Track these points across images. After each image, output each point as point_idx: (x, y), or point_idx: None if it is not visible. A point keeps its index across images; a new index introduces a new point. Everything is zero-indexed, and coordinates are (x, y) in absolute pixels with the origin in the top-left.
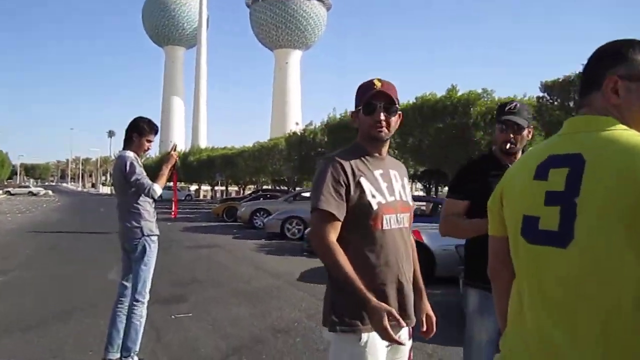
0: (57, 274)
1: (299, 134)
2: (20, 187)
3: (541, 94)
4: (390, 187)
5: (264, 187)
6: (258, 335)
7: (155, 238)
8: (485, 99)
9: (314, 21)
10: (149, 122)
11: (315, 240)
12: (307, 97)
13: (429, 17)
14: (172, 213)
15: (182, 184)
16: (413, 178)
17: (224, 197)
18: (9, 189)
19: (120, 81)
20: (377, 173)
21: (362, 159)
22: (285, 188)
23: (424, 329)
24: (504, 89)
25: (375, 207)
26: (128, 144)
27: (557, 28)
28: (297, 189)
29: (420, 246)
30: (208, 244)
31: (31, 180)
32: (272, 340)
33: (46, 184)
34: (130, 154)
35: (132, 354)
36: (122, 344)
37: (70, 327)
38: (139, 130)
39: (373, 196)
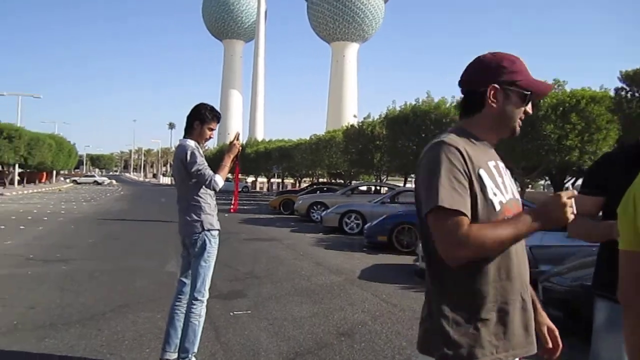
0: (117, 264)
1: (356, 126)
2: (86, 176)
3: (620, 85)
4: (504, 183)
5: (320, 180)
6: (321, 339)
7: (216, 233)
8: (556, 91)
9: (371, 14)
10: (212, 109)
11: (448, 250)
12: (363, 90)
13: (489, 6)
14: (232, 207)
15: (239, 176)
16: None
17: (280, 189)
18: (76, 178)
19: (181, 74)
20: (491, 165)
21: (475, 147)
22: (341, 181)
23: (550, 344)
24: (576, 80)
25: (498, 207)
26: (189, 132)
27: (632, 14)
28: (353, 182)
29: None
30: (266, 237)
31: (96, 170)
32: (336, 345)
33: (110, 173)
34: (191, 142)
35: (190, 356)
36: (180, 345)
37: (127, 322)
38: (201, 118)
39: (494, 194)
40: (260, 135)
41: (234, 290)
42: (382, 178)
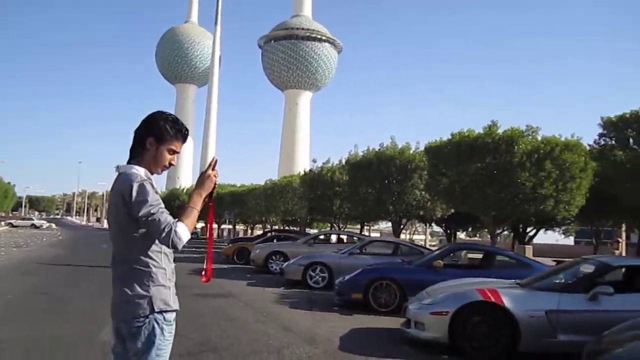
0: (37, 330)
1: (315, 172)
2: (23, 219)
3: (601, 132)
4: None
5: (274, 227)
6: None
7: (172, 317)
8: (530, 137)
9: (324, 63)
10: (174, 121)
11: None
12: (316, 137)
13: (454, 49)
14: (203, 274)
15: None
16: (432, 222)
17: (233, 236)
18: (12, 221)
19: (131, 117)
20: None
21: None
22: (296, 228)
23: None
24: (548, 128)
25: None
26: (138, 154)
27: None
28: (310, 230)
29: (500, 311)
30: (221, 292)
31: (35, 212)
32: None
33: (51, 216)
34: (139, 170)
35: None
36: None
37: None
38: (158, 133)
39: None
40: None
41: None
42: (341, 226)
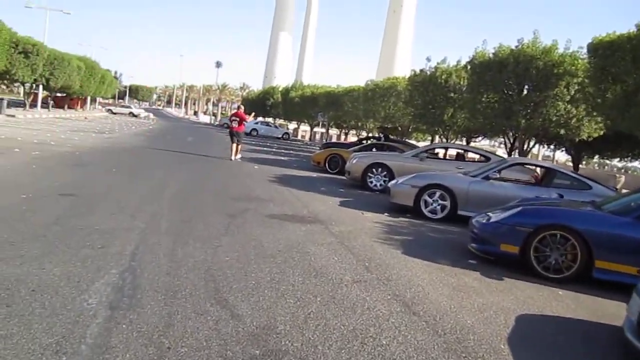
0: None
1: (427, 73)
2: (122, 107)
3: None
4: None
5: (377, 134)
6: None
7: None
8: None
9: None
10: None
11: None
12: (418, 40)
13: None
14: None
15: (281, 121)
16: (571, 144)
17: (325, 140)
18: (111, 108)
19: (229, 12)
20: None
21: None
22: (394, 137)
23: None
24: None
25: None
26: None
27: None
28: (409, 141)
29: None
30: (305, 214)
31: (134, 101)
32: None
33: (154, 107)
34: None
35: None
36: None
37: None
38: None
39: None
40: (307, 80)
41: None
42: (450, 139)
